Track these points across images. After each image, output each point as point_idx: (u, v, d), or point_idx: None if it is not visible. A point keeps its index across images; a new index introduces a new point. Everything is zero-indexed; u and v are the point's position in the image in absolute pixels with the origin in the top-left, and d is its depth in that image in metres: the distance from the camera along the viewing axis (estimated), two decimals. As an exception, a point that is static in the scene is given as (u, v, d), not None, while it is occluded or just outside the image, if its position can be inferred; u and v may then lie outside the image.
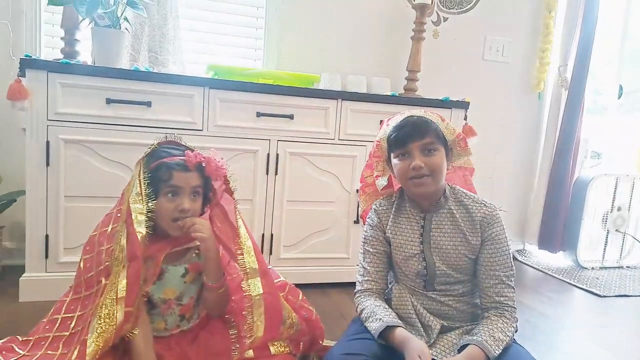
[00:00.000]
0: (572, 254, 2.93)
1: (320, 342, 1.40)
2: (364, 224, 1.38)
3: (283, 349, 1.26)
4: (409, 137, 1.18)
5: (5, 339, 1.13)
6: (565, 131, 2.88)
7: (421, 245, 1.24)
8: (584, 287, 2.47)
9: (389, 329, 1.13)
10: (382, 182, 1.33)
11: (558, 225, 2.91)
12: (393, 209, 1.29)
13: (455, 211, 1.24)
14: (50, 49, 2.16)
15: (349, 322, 1.33)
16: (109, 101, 1.77)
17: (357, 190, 2.09)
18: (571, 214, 2.93)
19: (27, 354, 1.10)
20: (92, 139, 1.77)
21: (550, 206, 2.94)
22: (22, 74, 1.70)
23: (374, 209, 1.32)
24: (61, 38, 1.89)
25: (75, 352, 1.00)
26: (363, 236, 1.33)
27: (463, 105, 2.23)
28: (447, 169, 1.24)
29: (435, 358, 1.11)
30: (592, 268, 2.85)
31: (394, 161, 1.22)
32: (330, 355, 1.14)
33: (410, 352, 1.04)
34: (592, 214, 2.90)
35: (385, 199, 1.33)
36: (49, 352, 1.10)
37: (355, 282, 1.32)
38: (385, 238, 1.29)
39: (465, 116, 2.24)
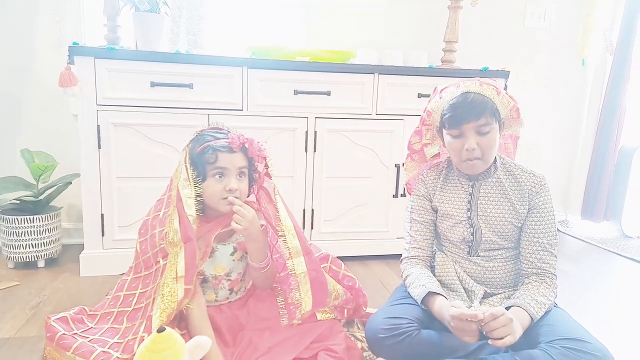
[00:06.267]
0: (616, 224, 2.87)
1: (364, 309, 1.47)
2: (410, 193, 1.41)
3: (328, 315, 1.33)
4: (465, 118, 1.16)
5: (75, 309, 1.23)
6: (610, 98, 2.76)
7: (468, 212, 1.26)
8: (628, 255, 2.42)
9: (430, 295, 1.16)
10: (431, 150, 1.35)
11: (601, 194, 2.84)
12: (441, 179, 1.32)
13: (504, 180, 1.25)
14: (92, 36, 2.23)
15: (389, 291, 1.38)
16: (153, 84, 1.82)
17: (395, 166, 2.12)
18: (615, 183, 2.85)
19: (94, 326, 1.19)
20: (139, 121, 1.84)
21: (593, 175, 2.86)
22: (70, 61, 1.78)
23: (422, 179, 1.35)
24: (104, 25, 1.95)
25: (142, 327, 1.09)
26: (410, 206, 1.35)
27: (503, 74, 2.18)
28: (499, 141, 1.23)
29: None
30: (637, 237, 2.79)
31: (447, 138, 1.22)
32: (374, 318, 1.20)
33: (445, 311, 1.07)
34: (638, 183, 2.80)
35: (433, 170, 1.35)
36: (115, 325, 1.19)
37: (394, 254, 1.35)
38: (432, 207, 1.32)
39: (506, 85, 2.19)
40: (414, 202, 1.34)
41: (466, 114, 1.16)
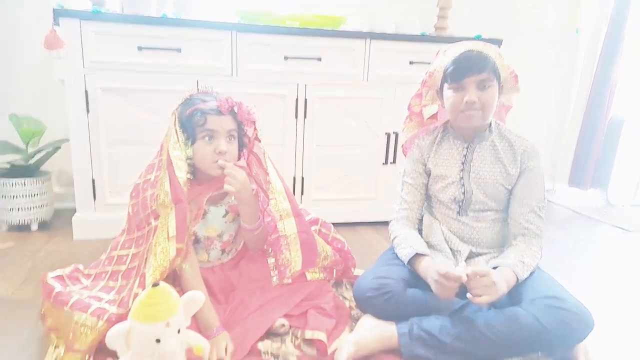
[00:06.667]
0: (602, 192, 2.93)
1: (352, 271, 1.52)
2: (405, 155, 1.45)
3: (318, 275, 1.37)
4: (467, 71, 1.19)
5: (70, 268, 1.25)
6: (602, 68, 2.77)
7: (461, 173, 1.30)
8: (612, 223, 2.49)
9: (417, 256, 1.21)
10: (430, 110, 1.38)
11: (590, 163, 2.89)
12: (435, 143, 1.35)
13: (497, 143, 1.29)
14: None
15: (377, 255, 1.42)
16: (140, 48, 1.80)
17: (385, 134, 2.13)
18: (604, 152, 2.89)
19: (90, 284, 1.22)
20: (127, 86, 1.83)
21: (583, 144, 2.90)
22: (56, 23, 1.74)
23: (417, 144, 1.38)
24: (89, -14, 1.90)
25: (136, 283, 1.12)
26: (403, 169, 1.40)
27: (495, 42, 2.15)
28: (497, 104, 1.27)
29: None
30: (622, 205, 2.85)
31: (448, 93, 1.25)
32: (362, 278, 1.26)
33: (432, 270, 1.11)
34: (626, 152, 2.85)
35: (428, 134, 1.38)
36: (110, 283, 1.22)
37: (383, 220, 1.39)
38: (425, 171, 1.36)
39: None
40: (408, 165, 1.38)
41: (469, 67, 1.19)
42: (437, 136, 1.36)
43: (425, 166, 1.36)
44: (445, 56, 1.26)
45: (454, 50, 1.25)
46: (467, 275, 1.05)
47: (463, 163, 1.31)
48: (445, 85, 1.25)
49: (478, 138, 1.30)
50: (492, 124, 1.30)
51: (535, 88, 2.88)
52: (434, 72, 1.29)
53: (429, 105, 1.38)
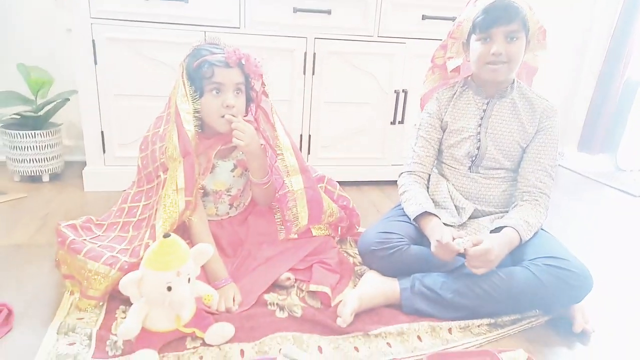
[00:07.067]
0: (611, 157, 2.90)
1: (356, 228, 1.55)
2: (422, 108, 1.45)
3: (323, 231, 1.41)
4: (496, 21, 1.17)
5: (83, 218, 1.28)
6: (621, 26, 2.66)
7: (478, 128, 1.31)
8: (618, 187, 2.48)
9: (425, 215, 1.23)
10: (454, 63, 1.36)
11: (601, 127, 2.83)
12: (454, 97, 1.35)
13: (517, 101, 1.29)
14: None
15: (382, 214, 1.44)
16: (145, -3, 1.76)
17: (394, 92, 2.10)
18: (616, 116, 2.83)
19: (102, 234, 1.26)
20: (134, 37, 1.80)
21: (595, 107, 2.84)
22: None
23: (436, 97, 1.38)
24: None
25: (147, 234, 1.15)
26: (419, 122, 1.40)
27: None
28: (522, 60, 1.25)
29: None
30: (631, 170, 2.83)
31: (475, 44, 1.23)
32: (367, 232, 1.29)
33: (438, 233, 1.13)
34: (639, 116, 2.79)
35: (448, 89, 1.37)
36: (121, 234, 1.25)
37: (388, 180, 1.39)
38: (441, 126, 1.36)
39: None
40: (424, 119, 1.38)
41: (499, 16, 1.17)
42: (456, 91, 1.35)
43: (442, 121, 1.36)
44: (475, 6, 1.24)
45: (484, 0, 1.22)
46: (464, 249, 1.08)
47: (481, 118, 1.30)
48: (473, 37, 1.23)
49: (499, 94, 1.29)
50: (514, 82, 1.30)
51: (548, 47, 2.78)
52: (462, 23, 1.27)
53: (454, 58, 1.36)
